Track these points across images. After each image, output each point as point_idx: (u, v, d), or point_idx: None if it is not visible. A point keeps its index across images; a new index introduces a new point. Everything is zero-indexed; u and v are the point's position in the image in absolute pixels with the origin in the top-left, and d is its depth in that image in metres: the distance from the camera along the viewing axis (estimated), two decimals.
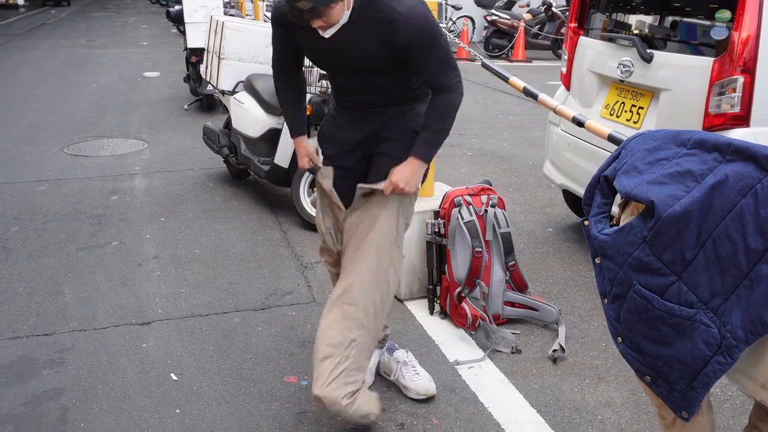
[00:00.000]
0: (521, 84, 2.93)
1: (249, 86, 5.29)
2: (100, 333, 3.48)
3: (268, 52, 5.50)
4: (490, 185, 3.64)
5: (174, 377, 3.10)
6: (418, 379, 2.95)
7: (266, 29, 5.71)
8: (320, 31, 2.41)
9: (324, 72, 4.45)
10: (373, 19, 2.42)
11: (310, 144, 2.87)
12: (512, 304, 3.55)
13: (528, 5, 15.01)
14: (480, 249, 3.43)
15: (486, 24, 14.22)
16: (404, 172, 2.61)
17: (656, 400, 2.00)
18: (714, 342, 1.76)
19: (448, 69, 2.53)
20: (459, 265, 3.47)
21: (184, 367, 3.18)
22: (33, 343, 3.38)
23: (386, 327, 3.13)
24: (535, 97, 2.84)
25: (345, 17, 2.41)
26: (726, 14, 3.36)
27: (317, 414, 2.84)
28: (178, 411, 2.86)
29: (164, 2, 26.48)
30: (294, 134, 2.86)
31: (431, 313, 3.64)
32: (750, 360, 1.81)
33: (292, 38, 2.64)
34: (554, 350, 3.26)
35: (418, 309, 3.69)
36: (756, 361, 1.79)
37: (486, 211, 3.49)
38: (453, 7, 13.98)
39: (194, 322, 3.57)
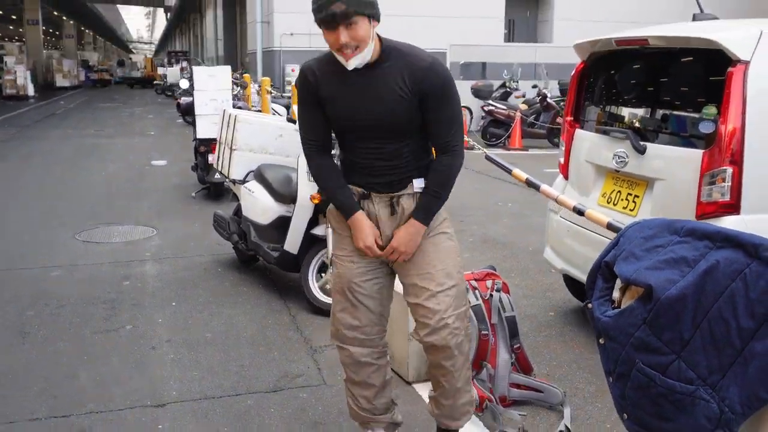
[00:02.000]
0: (524, 176, 3.13)
1: (259, 176, 5.52)
2: (117, 415, 3.56)
3: (278, 143, 5.82)
4: (495, 270, 3.80)
5: None
6: None
7: (276, 122, 6.00)
8: (345, 61, 2.57)
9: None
10: (400, 61, 2.63)
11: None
12: (518, 386, 3.65)
13: (524, 96, 15.52)
14: (486, 332, 3.56)
15: (483, 114, 14.69)
16: (404, 236, 2.77)
17: None
18: (714, 416, 1.89)
19: (457, 129, 2.76)
20: None
21: None
22: (51, 425, 3.46)
23: (397, 414, 3.21)
24: (537, 188, 3.03)
25: (369, 52, 2.58)
26: (712, 110, 3.60)
27: None
28: None
29: (170, 93, 27.28)
30: (352, 211, 2.80)
31: None
32: (751, 429, 1.92)
33: (317, 100, 2.75)
34: (560, 431, 3.35)
35: (426, 391, 3.78)
36: (756, 429, 1.91)
37: (491, 295, 3.64)
38: None
39: (208, 404, 3.66)
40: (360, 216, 2.80)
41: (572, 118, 4.72)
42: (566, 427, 3.37)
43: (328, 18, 2.49)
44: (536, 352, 4.27)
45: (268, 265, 5.71)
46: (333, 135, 2.95)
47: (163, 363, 4.16)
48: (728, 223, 3.46)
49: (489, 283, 3.67)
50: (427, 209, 2.80)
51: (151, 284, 5.59)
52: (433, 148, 2.87)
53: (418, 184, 2.81)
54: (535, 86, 15.73)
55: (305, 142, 2.89)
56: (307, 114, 2.85)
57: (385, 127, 2.72)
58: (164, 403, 3.68)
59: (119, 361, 4.19)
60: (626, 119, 4.74)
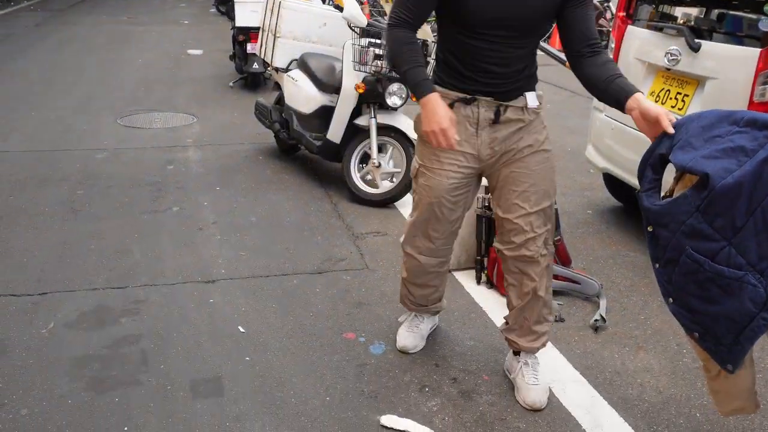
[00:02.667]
0: None
1: (303, 64, 5.51)
2: (170, 288, 3.73)
3: (322, 31, 5.78)
4: None
5: (241, 329, 3.34)
6: (533, 387, 2.88)
7: (320, 10, 5.93)
8: None
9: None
10: None
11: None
12: (556, 277, 3.74)
13: None
14: None
15: None
16: (648, 104, 2.37)
17: (702, 354, 2.20)
18: (760, 300, 1.96)
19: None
20: None
21: (250, 321, 3.42)
22: (109, 295, 3.64)
23: (444, 302, 3.31)
24: None
25: None
26: None
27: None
28: (247, 359, 3.11)
29: None
30: (426, 91, 2.53)
31: (478, 282, 3.85)
32: None
33: None
34: (595, 320, 3.46)
35: (466, 279, 3.91)
36: None
37: None
38: None
39: (256, 282, 3.82)
40: (435, 97, 2.52)
41: (625, 14, 4.62)
42: (601, 316, 3.48)
43: None
44: (573, 247, 4.35)
45: (308, 154, 5.79)
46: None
47: (211, 243, 4.31)
48: None
49: None
50: (627, 83, 2.47)
51: (195, 169, 5.71)
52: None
53: (532, 101, 2.67)
54: None
55: (398, 13, 2.58)
56: None
57: (527, 25, 2.55)
58: (214, 280, 3.84)
59: (168, 239, 4.34)
60: (680, 18, 4.64)
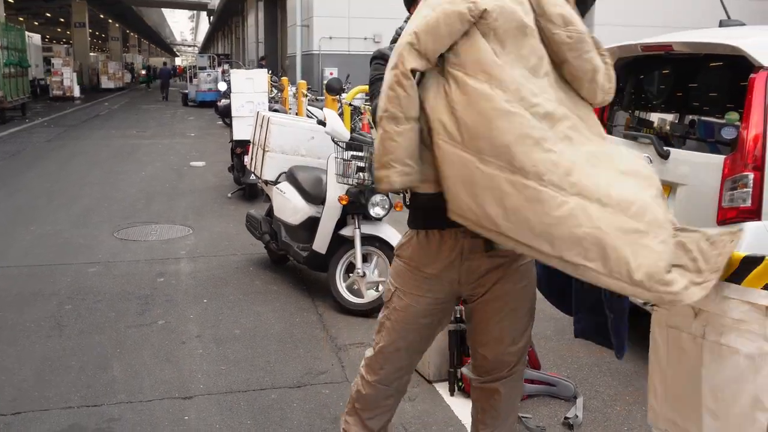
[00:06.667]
0: None
1: (291, 177, 5.63)
2: (146, 405, 3.69)
3: (311, 144, 5.93)
4: None
5: None
6: None
7: (308, 124, 6.11)
8: None
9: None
10: None
11: None
12: (531, 381, 3.68)
13: None
14: None
15: None
16: None
17: None
18: None
19: None
20: None
21: None
22: (83, 414, 3.60)
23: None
24: None
25: None
26: (734, 116, 3.61)
27: None
28: None
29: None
30: None
31: (452, 393, 3.77)
32: None
33: None
34: (574, 416, 3.43)
35: (445, 390, 3.84)
36: None
37: None
38: None
39: (233, 398, 3.78)
40: None
41: None
42: (576, 415, 3.42)
43: None
44: (558, 355, 4.30)
45: (297, 264, 5.83)
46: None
47: (192, 357, 4.29)
48: (749, 228, 3.47)
49: None
50: None
51: (185, 281, 5.75)
52: None
53: None
54: None
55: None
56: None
57: None
58: (191, 396, 3.80)
59: (150, 354, 4.33)
60: (654, 124, 4.75)
